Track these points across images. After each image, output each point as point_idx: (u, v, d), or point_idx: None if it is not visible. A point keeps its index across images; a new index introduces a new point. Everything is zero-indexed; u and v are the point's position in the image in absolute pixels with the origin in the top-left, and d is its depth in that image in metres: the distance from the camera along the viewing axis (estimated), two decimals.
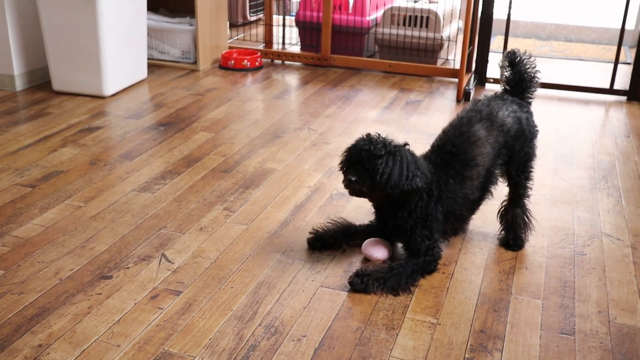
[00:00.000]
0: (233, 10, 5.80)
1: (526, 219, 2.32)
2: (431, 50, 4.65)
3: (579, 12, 6.17)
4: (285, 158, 3.06)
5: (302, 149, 3.19)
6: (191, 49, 4.54)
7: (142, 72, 4.19)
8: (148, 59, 4.39)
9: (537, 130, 2.32)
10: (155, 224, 2.41)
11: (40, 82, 4.04)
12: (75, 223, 2.40)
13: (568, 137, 3.48)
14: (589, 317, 1.96)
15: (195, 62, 4.56)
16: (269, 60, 4.84)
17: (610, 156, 3.23)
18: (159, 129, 3.39)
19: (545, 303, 2.02)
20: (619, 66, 4.41)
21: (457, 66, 4.46)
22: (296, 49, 5.06)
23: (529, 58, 2.30)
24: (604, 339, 1.86)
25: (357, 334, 1.84)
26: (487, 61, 4.39)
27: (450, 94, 4.18)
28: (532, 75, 2.30)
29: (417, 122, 3.63)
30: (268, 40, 5.02)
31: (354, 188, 2.05)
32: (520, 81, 2.30)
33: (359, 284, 2.02)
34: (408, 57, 4.69)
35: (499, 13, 4.44)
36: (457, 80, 4.33)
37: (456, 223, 2.22)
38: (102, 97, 3.83)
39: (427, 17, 4.61)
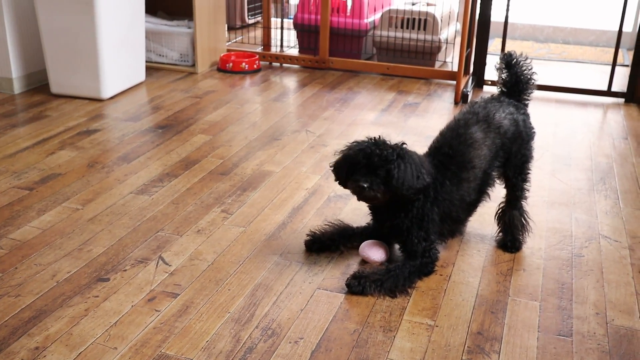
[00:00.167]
0: (231, 13, 5.80)
1: (524, 221, 2.32)
2: (429, 53, 4.66)
3: (577, 15, 6.18)
4: (283, 160, 3.06)
5: (300, 151, 3.19)
6: (189, 51, 4.54)
7: (140, 75, 4.19)
8: (146, 61, 4.39)
9: (534, 132, 2.32)
10: (152, 227, 2.41)
11: (38, 85, 4.04)
12: (73, 225, 2.40)
13: (566, 139, 3.48)
14: (586, 319, 1.96)
15: (193, 65, 4.56)
16: (267, 62, 4.85)
17: (608, 158, 3.23)
18: (157, 131, 3.39)
19: (543, 305, 2.02)
20: (617, 68, 4.42)
21: (455, 68, 4.47)
22: (294, 51, 5.07)
23: (525, 60, 2.30)
24: (602, 340, 1.86)
25: (355, 336, 1.84)
26: (484, 63, 4.40)
27: (448, 96, 4.18)
28: (529, 77, 2.30)
29: (415, 125, 3.63)
30: (266, 43, 5.02)
31: (369, 195, 2.02)
32: (516, 83, 2.30)
33: (356, 286, 2.02)
34: (406, 60, 4.70)
35: (496, 15, 4.44)
36: (454, 82, 4.33)
37: (453, 225, 2.22)
38: (100, 100, 3.83)
39: (425, 20, 4.62)
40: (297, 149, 3.21)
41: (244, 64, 4.55)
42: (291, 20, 5.30)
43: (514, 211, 2.32)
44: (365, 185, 2.00)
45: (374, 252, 2.20)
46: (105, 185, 2.74)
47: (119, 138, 3.27)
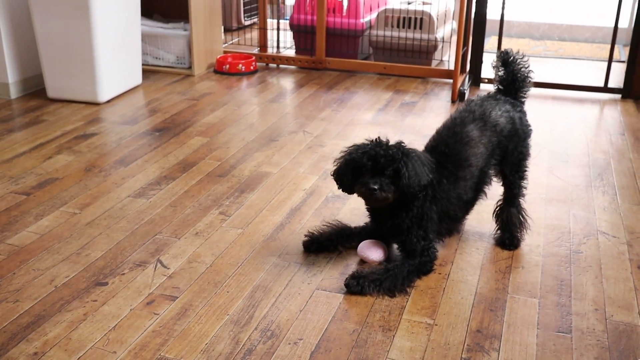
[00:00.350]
0: (227, 14, 5.80)
1: (522, 218, 2.32)
2: (425, 52, 4.66)
3: (572, 11, 6.19)
4: (280, 161, 3.06)
5: (298, 152, 3.19)
6: (186, 54, 4.54)
7: (137, 78, 4.19)
8: (143, 64, 4.39)
9: (531, 130, 2.32)
10: (150, 230, 2.41)
11: (34, 90, 4.04)
12: (71, 230, 2.39)
13: (563, 136, 3.48)
14: (585, 315, 1.96)
15: (190, 67, 4.56)
16: (264, 64, 4.84)
17: (605, 154, 3.23)
18: (154, 134, 3.39)
19: (542, 302, 2.02)
20: (613, 64, 4.42)
21: (452, 67, 4.46)
22: (291, 52, 5.07)
23: (522, 58, 2.30)
24: (601, 336, 1.86)
25: (354, 336, 1.84)
26: (481, 62, 4.40)
27: (445, 95, 4.18)
28: (525, 74, 2.30)
29: (413, 124, 3.63)
30: (263, 44, 5.02)
31: (380, 197, 2.02)
32: (513, 81, 2.30)
33: (355, 286, 2.02)
34: (402, 59, 4.70)
35: (492, 13, 4.44)
36: (451, 81, 4.33)
37: (450, 223, 2.22)
38: (97, 104, 3.83)
39: (421, 19, 4.62)
40: (295, 150, 3.21)
41: (240, 65, 4.54)
42: (287, 21, 5.30)
43: (511, 209, 2.32)
44: (376, 187, 2.00)
45: (372, 252, 2.20)
46: (102, 189, 2.74)
47: (116, 141, 3.27)
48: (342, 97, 4.10)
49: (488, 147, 2.18)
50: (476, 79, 4.43)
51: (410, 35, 4.64)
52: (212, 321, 1.89)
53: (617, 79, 4.45)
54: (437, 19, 4.66)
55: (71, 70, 3.78)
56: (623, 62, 4.89)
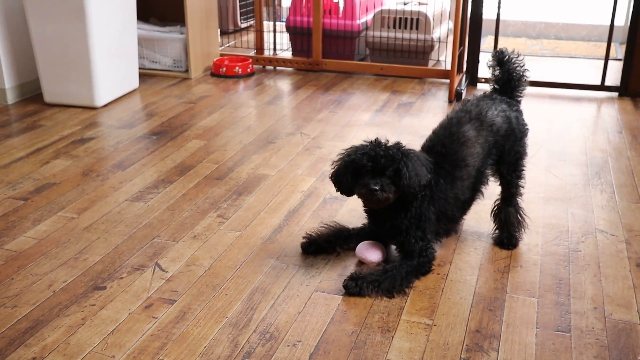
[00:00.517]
0: (224, 17, 5.80)
1: (519, 218, 2.32)
2: (422, 52, 4.66)
3: (568, 10, 6.19)
4: (278, 163, 3.06)
5: (295, 154, 3.18)
6: (182, 57, 4.54)
7: (134, 82, 4.19)
8: (139, 68, 4.39)
9: (527, 129, 2.32)
10: (148, 234, 2.40)
11: (31, 95, 4.03)
12: (69, 235, 2.39)
13: (560, 135, 3.48)
14: (584, 314, 1.95)
15: (186, 71, 4.56)
16: (261, 66, 4.85)
17: (603, 152, 3.23)
18: (152, 138, 3.39)
19: (541, 301, 2.02)
20: (610, 62, 4.42)
21: (449, 67, 4.47)
22: (287, 54, 5.07)
23: (517, 57, 2.30)
24: (600, 335, 1.86)
25: (353, 337, 1.84)
26: (478, 61, 4.40)
27: (442, 95, 4.18)
28: (521, 73, 2.30)
29: (410, 124, 3.63)
30: (259, 47, 5.02)
31: (381, 197, 2.01)
32: (509, 80, 2.30)
33: (354, 287, 2.02)
34: (399, 60, 4.70)
35: (488, 13, 4.45)
36: (448, 81, 4.33)
37: (448, 224, 2.22)
38: (94, 108, 3.82)
39: (417, 19, 4.62)
40: (292, 152, 3.20)
41: (237, 68, 4.54)
42: (284, 23, 5.30)
43: (509, 208, 2.31)
44: (377, 188, 1.99)
45: (370, 253, 2.20)
46: (100, 193, 2.74)
47: (113, 146, 3.27)
48: (339, 98, 4.10)
49: (485, 146, 2.18)
50: (473, 79, 4.43)
51: (406, 35, 4.64)
52: (211, 324, 1.88)
53: (613, 76, 4.45)
54: (433, 19, 4.66)
55: (68, 75, 3.77)
56: (619, 60, 4.89)
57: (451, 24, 5.21)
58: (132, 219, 2.51)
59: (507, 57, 2.29)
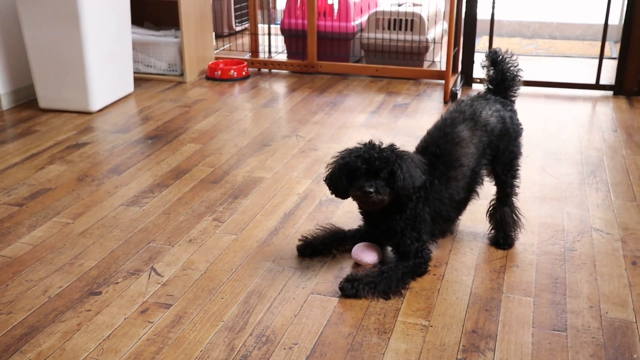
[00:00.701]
0: (218, 20, 5.80)
1: (515, 217, 2.32)
2: (417, 53, 4.66)
3: (563, 9, 6.20)
4: (273, 166, 3.06)
5: (291, 156, 3.18)
6: (177, 61, 4.54)
7: (129, 86, 4.19)
8: (134, 72, 4.39)
9: (522, 129, 2.32)
10: (144, 238, 2.40)
11: (26, 101, 4.03)
12: (64, 240, 2.39)
13: (556, 134, 3.49)
14: (580, 313, 1.95)
15: (181, 74, 4.56)
16: (256, 69, 4.85)
17: (598, 151, 3.24)
18: (147, 142, 3.38)
19: (537, 300, 2.02)
20: (604, 61, 4.43)
21: (443, 68, 4.47)
22: (282, 57, 5.07)
23: (511, 57, 2.30)
24: (596, 334, 1.86)
25: (349, 339, 1.84)
26: (472, 62, 4.41)
27: (437, 96, 4.19)
28: (515, 73, 2.30)
29: (405, 125, 3.63)
30: (254, 50, 5.02)
31: (376, 199, 2.01)
32: (502, 80, 2.31)
33: (350, 289, 2.01)
34: (394, 61, 4.70)
35: (482, 13, 4.45)
36: (443, 81, 4.34)
37: (444, 224, 2.22)
38: (89, 113, 3.82)
39: (412, 20, 4.63)
40: (288, 154, 3.20)
41: (232, 71, 4.54)
42: (278, 26, 5.30)
43: (505, 208, 2.32)
44: (372, 190, 1.99)
45: (366, 255, 2.19)
46: (95, 198, 2.73)
47: (108, 150, 3.26)
48: (334, 100, 4.10)
49: (479, 147, 2.18)
50: (468, 79, 4.44)
51: (401, 37, 4.65)
52: (207, 328, 1.88)
53: (608, 75, 4.46)
54: (428, 20, 4.67)
55: (62, 80, 3.77)
56: (614, 58, 4.90)
57: (446, 25, 5.22)
58: (128, 224, 2.50)
59: (500, 57, 2.29)
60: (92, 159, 3.16)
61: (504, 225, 2.31)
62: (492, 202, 2.37)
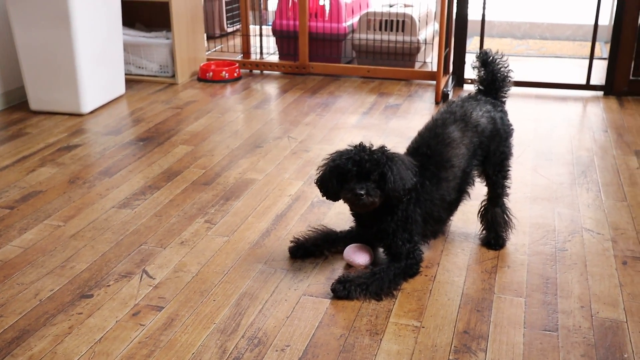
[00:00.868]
0: (210, 22, 5.79)
1: (506, 218, 2.33)
2: (408, 54, 4.67)
3: (553, 10, 6.23)
4: (265, 168, 3.06)
5: (283, 157, 3.18)
6: (169, 62, 4.53)
7: (120, 88, 4.17)
8: (126, 74, 4.37)
9: (512, 129, 2.33)
10: (135, 240, 2.39)
11: (17, 103, 4.01)
12: (55, 243, 2.38)
13: (547, 134, 3.50)
14: (571, 313, 1.96)
15: (173, 76, 4.55)
16: (248, 70, 4.84)
17: (589, 151, 3.25)
18: (138, 144, 3.37)
19: (528, 301, 2.02)
20: (595, 62, 4.45)
21: (435, 68, 4.48)
22: (274, 58, 5.07)
23: (501, 57, 2.31)
24: (587, 333, 1.87)
25: (341, 341, 1.84)
26: (464, 62, 4.42)
27: (429, 97, 4.20)
28: (505, 74, 2.31)
29: (397, 126, 3.64)
30: (246, 51, 5.02)
31: (367, 201, 2.01)
32: (493, 81, 2.31)
33: (342, 290, 2.02)
34: (386, 62, 4.71)
35: (473, 14, 4.47)
36: (435, 82, 4.34)
37: (435, 225, 2.22)
38: (80, 115, 3.81)
39: (403, 21, 4.64)
40: (280, 156, 3.20)
41: (224, 72, 4.54)
42: (270, 27, 5.30)
43: (496, 209, 2.32)
44: (363, 193, 1.99)
45: (358, 256, 2.20)
46: (86, 200, 2.72)
47: (100, 152, 3.25)
48: (326, 101, 4.11)
49: (470, 147, 2.18)
50: (459, 80, 4.45)
51: (392, 37, 4.65)
52: (199, 330, 1.88)
53: (599, 76, 4.48)
54: (419, 21, 4.68)
55: (53, 82, 3.76)
56: (604, 59, 4.92)
57: (437, 26, 5.23)
58: (119, 226, 2.50)
59: (491, 58, 2.30)
60: (83, 161, 3.15)
61: (495, 226, 2.32)
62: (484, 203, 2.37)
